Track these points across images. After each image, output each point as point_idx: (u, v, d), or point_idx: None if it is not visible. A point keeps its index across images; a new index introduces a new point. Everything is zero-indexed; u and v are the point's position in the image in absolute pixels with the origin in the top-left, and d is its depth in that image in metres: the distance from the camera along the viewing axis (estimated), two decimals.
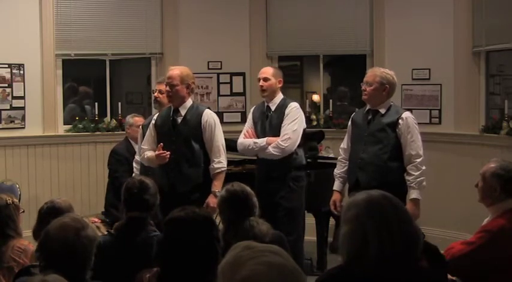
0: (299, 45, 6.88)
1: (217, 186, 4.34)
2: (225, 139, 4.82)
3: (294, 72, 8.57)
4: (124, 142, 5.74)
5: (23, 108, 6.34)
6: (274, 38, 6.86)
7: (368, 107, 4.50)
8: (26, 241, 3.39)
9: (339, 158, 4.66)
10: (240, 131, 6.33)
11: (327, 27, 6.76)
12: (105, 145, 6.44)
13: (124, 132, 5.92)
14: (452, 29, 6.20)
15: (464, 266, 3.09)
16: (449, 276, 3.08)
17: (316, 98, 7.94)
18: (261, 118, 4.83)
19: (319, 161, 5.75)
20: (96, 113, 6.81)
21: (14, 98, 6.30)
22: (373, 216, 2.03)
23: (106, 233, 3.61)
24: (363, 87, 4.43)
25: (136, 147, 5.24)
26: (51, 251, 2.46)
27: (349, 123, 4.65)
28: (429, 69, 6.37)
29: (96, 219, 5.38)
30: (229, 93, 6.91)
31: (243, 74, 6.89)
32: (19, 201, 3.91)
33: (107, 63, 6.82)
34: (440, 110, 6.33)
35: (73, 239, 2.45)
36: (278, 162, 4.61)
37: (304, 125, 4.76)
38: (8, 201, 3.43)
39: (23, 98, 6.33)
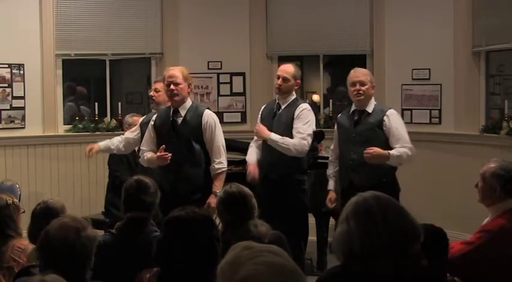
0: (299, 45, 6.88)
1: (218, 187, 4.33)
2: (226, 139, 4.82)
3: None
4: None
5: (23, 108, 6.34)
6: (274, 38, 6.86)
7: (353, 108, 4.55)
8: (26, 241, 3.39)
9: (330, 158, 4.73)
10: (240, 131, 6.37)
11: (327, 27, 6.76)
12: None
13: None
14: (452, 29, 6.20)
15: (464, 266, 3.09)
16: (449, 276, 3.08)
17: (316, 98, 7.95)
18: (269, 114, 4.80)
19: (319, 161, 5.74)
20: (96, 113, 6.81)
21: (14, 98, 6.30)
22: (358, 215, 2.06)
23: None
24: (357, 87, 4.45)
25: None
26: (51, 251, 2.46)
27: (335, 126, 4.71)
28: (429, 69, 6.37)
29: None
30: (229, 93, 6.91)
31: (243, 74, 6.89)
32: (19, 201, 3.91)
33: (107, 63, 6.82)
34: (440, 110, 6.33)
35: (73, 239, 2.45)
36: (281, 163, 4.59)
37: (314, 128, 4.73)
38: (9, 201, 3.43)
39: (23, 98, 6.34)
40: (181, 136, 4.40)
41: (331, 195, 4.64)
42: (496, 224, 3.12)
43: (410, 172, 6.24)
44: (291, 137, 4.60)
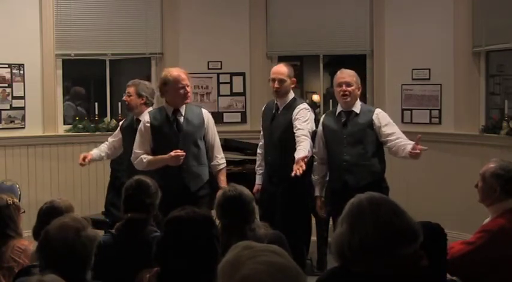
0: (299, 45, 6.88)
1: (224, 181, 4.42)
2: (226, 139, 4.84)
3: (294, 72, 8.56)
4: None
5: (23, 108, 6.34)
6: (274, 38, 6.86)
7: (340, 109, 4.55)
8: (26, 241, 3.39)
9: (316, 163, 4.66)
10: (240, 131, 6.37)
11: (327, 27, 6.76)
12: None
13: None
14: (452, 29, 6.20)
15: (464, 266, 3.09)
16: (449, 276, 3.08)
17: (316, 98, 7.95)
18: (268, 116, 4.81)
19: None
20: (96, 113, 6.81)
21: (14, 98, 6.30)
22: (350, 217, 2.09)
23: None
24: (343, 88, 4.45)
25: None
26: (52, 251, 2.46)
27: (320, 127, 4.65)
28: (429, 69, 6.37)
29: None
30: (229, 93, 6.90)
31: (243, 74, 6.88)
32: (19, 201, 3.90)
33: (107, 63, 6.82)
34: (440, 110, 6.33)
35: (73, 239, 2.45)
36: (285, 164, 4.59)
37: (313, 126, 4.70)
38: (9, 201, 3.43)
39: (23, 98, 6.34)
40: (187, 135, 4.40)
41: (320, 201, 4.64)
42: (496, 224, 3.12)
43: (411, 172, 6.26)
44: (291, 137, 4.58)
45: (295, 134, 4.45)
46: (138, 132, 4.51)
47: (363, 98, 6.10)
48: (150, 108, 4.93)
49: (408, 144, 4.33)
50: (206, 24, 6.79)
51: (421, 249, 2.09)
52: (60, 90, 6.64)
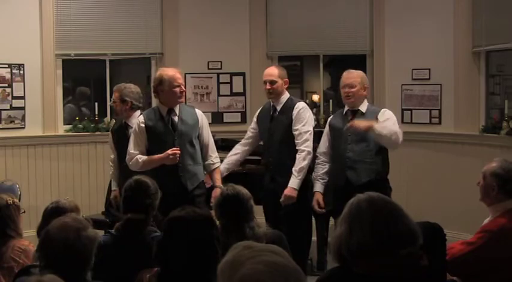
0: (299, 45, 6.88)
1: (219, 180, 4.46)
2: (226, 139, 4.84)
3: (294, 72, 8.58)
4: None
5: (23, 108, 6.34)
6: (274, 38, 6.86)
7: (346, 109, 4.61)
8: (27, 241, 3.39)
9: (318, 160, 4.71)
10: (240, 131, 6.35)
11: (327, 27, 6.76)
12: (105, 145, 6.41)
13: None
14: (452, 29, 6.20)
15: (464, 266, 3.09)
16: (449, 276, 3.09)
17: (316, 98, 7.95)
18: (266, 118, 4.83)
19: None
20: (96, 113, 6.81)
21: (14, 98, 6.30)
22: (348, 217, 2.10)
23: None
24: (346, 90, 4.52)
25: None
26: (52, 251, 2.46)
27: (327, 128, 4.72)
28: (429, 69, 6.37)
29: None
30: (229, 93, 6.90)
31: (243, 74, 6.88)
32: (19, 201, 3.90)
33: (107, 63, 6.82)
34: (440, 110, 6.33)
35: (73, 239, 2.45)
36: (288, 165, 4.60)
37: (313, 124, 4.75)
38: (9, 201, 3.42)
39: (23, 98, 6.34)
40: (183, 134, 4.41)
41: (318, 196, 4.65)
42: (497, 224, 3.12)
43: (411, 172, 6.26)
44: (292, 137, 4.63)
45: (294, 134, 4.60)
46: (132, 133, 4.52)
47: None
48: (138, 112, 4.95)
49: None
50: (206, 24, 6.79)
51: (420, 249, 2.09)
52: (60, 90, 6.64)
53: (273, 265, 1.49)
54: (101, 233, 3.36)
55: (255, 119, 4.99)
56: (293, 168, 4.54)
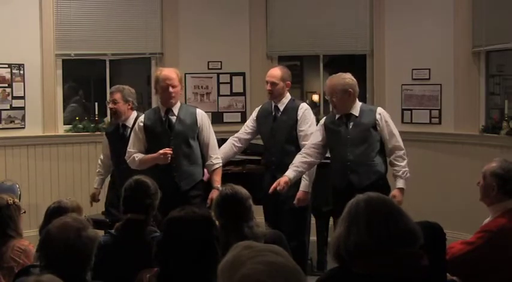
0: (299, 45, 6.88)
1: (218, 182, 4.43)
2: (226, 139, 4.83)
3: (294, 72, 8.52)
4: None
5: (23, 108, 6.34)
6: (274, 38, 6.86)
7: (338, 114, 4.54)
8: (27, 241, 3.39)
9: (303, 150, 4.55)
10: None
11: (327, 27, 6.76)
12: None
13: None
14: (452, 29, 6.20)
15: (464, 266, 3.09)
16: (449, 276, 3.09)
17: (316, 98, 7.95)
18: (268, 118, 4.84)
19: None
20: (96, 113, 6.81)
21: (14, 98, 6.30)
22: (346, 218, 2.11)
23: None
24: (330, 100, 4.48)
25: None
26: (52, 251, 2.46)
27: (321, 127, 4.60)
28: (429, 69, 6.37)
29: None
30: (229, 93, 6.90)
31: (243, 74, 6.88)
32: (19, 201, 3.90)
33: (107, 63, 6.82)
34: (440, 110, 6.33)
35: (74, 238, 2.45)
36: (289, 163, 4.61)
37: (315, 126, 4.75)
38: (9, 201, 3.42)
39: (23, 98, 6.33)
40: (179, 134, 4.43)
41: (284, 180, 4.42)
42: (497, 224, 3.12)
43: (410, 172, 6.25)
44: (296, 137, 4.67)
45: (299, 135, 4.66)
46: (132, 132, 4.61)
47: (363, 99, 6.10)
48: (135, 112, 5.00)
49: (398, 178, 4.39)
50: (206, 24, 6.79)
51: (420, 248, 2.09)
52: (60, 90, 6.64)
53: (273, 265, 1.49)
54: (101, 233, 3.36)
55: (254, 117, 4.97)
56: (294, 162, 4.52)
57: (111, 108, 5.02)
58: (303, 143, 4.63)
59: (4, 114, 6.26)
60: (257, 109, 5.03)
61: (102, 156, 5.42)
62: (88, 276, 2.54)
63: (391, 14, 6.54)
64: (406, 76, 6.47)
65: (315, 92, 8.28)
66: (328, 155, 5.92)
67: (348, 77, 4.46)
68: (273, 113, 4.80)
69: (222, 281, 1.55)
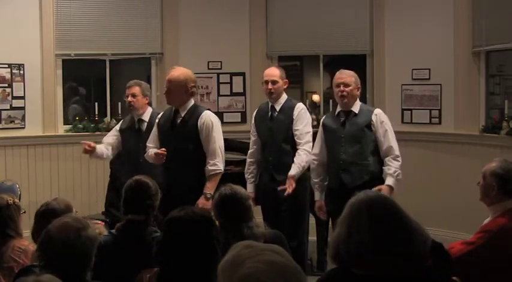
0: (299, 45, 6.88)
1: (209, 188, 4.30)
2: (226, 139, 4.81)
3: (294, 72, 8.57)
4: None
5: (23, 108, 6.34)
6: (274, 38, 6.86)
7: (339, 109, 4.59)
8: (27, 241, 3.39)
9: (313, 166, 4.68)
10: (240, 131, 6.36)
11: (327, 27, 6.76)
12: None
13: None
14: (452, 29, 6.20)
15: (464, 266, 3.09)
16: None
17: (316, 98, 7.95)
18: (265, 118, 4.84)
19: None
20: (96, 113, 6.81)
21: (14, 98, 6.30)
22: (346, 220, 2.10)
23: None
24: (341, 89, 4.48)
25: None
26: (52, 251, 2.46)
27: (320, 128, 4.70)
28: (429, 69, 6.37)
29: (99, 222, 5.36)
30: (229, 93, 6.91)
31: (243, 74, 6.89)
32: (19, 201, 3.89)
33: (107, 63, 6.82)
34: (440, 110, 6.33)
35: (74, 238, 2.44)
36: (287, 164, 4.62)
37: (310, 126, 4.79)
38: (9, 201, 3.42)
39: (23, 98, 6.34)
40: (178, 136, 4.43)
41: (320, 204, 4.64)
42: (497, 224, 3.11)
43: (410, 172, 6.24)
44: (292, 136, 4.66)
45: (295, 134, 4.65)
46: (153, 131, 4.65)
47: (363, 98, 6.10)
48: (150, 108, 5.02)
49: (388, 176, 4.38)
50: (206, 24, 6.79)
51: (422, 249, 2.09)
52: (60, 90, 6.64)
53: (273, 264, 1.49)
54: None
55: (253, 122, 4.99)
56: (296, 160, 4.57)
57: (129, 102, 4.98)
58: (299, 141, 4.63)
59: (4, 114, 6.27)
60: (254, 113, 5.05)
61: (105, 141, 5.12)
62: (88, 276, 2.54)
63: (391, 14, 6.54)
64: (406, 76, 6.47)
65: (315, 92, 8.27)
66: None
67: (356, 75, 4.61)
68: (270, 113, 4.82)
69: (222, 281, 1.55)
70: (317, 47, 6.86)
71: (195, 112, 4.47)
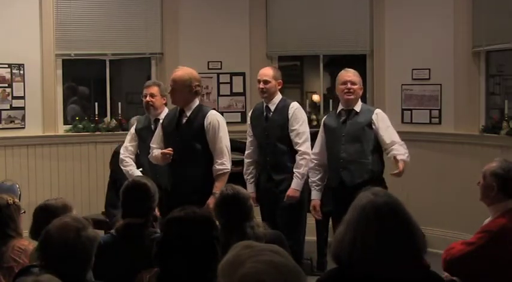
0: (299, 45, 6.88)
1: (218, 188, 4.29)
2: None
3: (294, 72, 8.58)
4: None
5: (23, 108, 6.34)
6: (274, 38, 6.86)
7: (340, 107, 4.63)
8: (27, 241, 3.39)
9: (313, 165, 4.68)
10: (240, 131, 6.35)
11: (327, 27, 6.76)
12: (105, 145, 6.44)
13: (124, 132, 5.91)
14: (452, 29, 6.20)
15: (464, 266, 3.09)
16: (449, 276, 3.08)
17: (316, 98, 7.94)
18: (260, 118, 4.85)
19: None
20: (96, 113, 6.81)
21: (14, 98, 6.30)
22: (353, 223, 2.10)
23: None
24: (348, 86, 4.51)
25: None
26: (52, 251, 2.46)
27: (321, 128, 4.73)
28: (429, 69, 6.37)
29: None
30: (229, 93, 6.91)
31: (243, 74, 6.89)
32: (19, 200, 3.90)
33: (107, 63, 6.82)
34: (440, 110, 6.33)
35: (74, 238, 2.44)
36: (285, 164, 4.62)
37: (307, 125, 4.80)
38: (9, 201, 3.42)
39: (23, 98, 6.34)
40: (184, 136, 4.41)
41: (316, 203, 4.66)
42: (497, 224, 3.11)
43: (410, 172, 6.24)
44: (288, 136, 4.66)
45: (291, 135, 4.66)
46: (156, 130, 4.67)
47: (363, 98, 6.10)
48: (167, 109, 4.99)
49: (398, 155, 4.34)
50: (206, 24, 6.79)
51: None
52: (60, 90, 6.64)
53: (273, 264, 1.50)
54: (101, 233, 3.36)
55: (249, 122, 5.00)
56: (296, 170, 4.59)
57: (147, 102, 4.96)
58: (297, 141, 4.63)
59: (4, 114, 6.27)
60: (250, 113, 5.06)
61: (129, 148, 5.08)
62: (88, 276, 2.54)
63: (391, 13, 6.54)
64: (406, 76, 6.47)
65: (315, 92, 8.27)
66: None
67: None
68: (265, 113, 4.83)
69: (222, 281, 1.55)
70: (317, 47, 6.86)
71: (201, 112, 4.47)
